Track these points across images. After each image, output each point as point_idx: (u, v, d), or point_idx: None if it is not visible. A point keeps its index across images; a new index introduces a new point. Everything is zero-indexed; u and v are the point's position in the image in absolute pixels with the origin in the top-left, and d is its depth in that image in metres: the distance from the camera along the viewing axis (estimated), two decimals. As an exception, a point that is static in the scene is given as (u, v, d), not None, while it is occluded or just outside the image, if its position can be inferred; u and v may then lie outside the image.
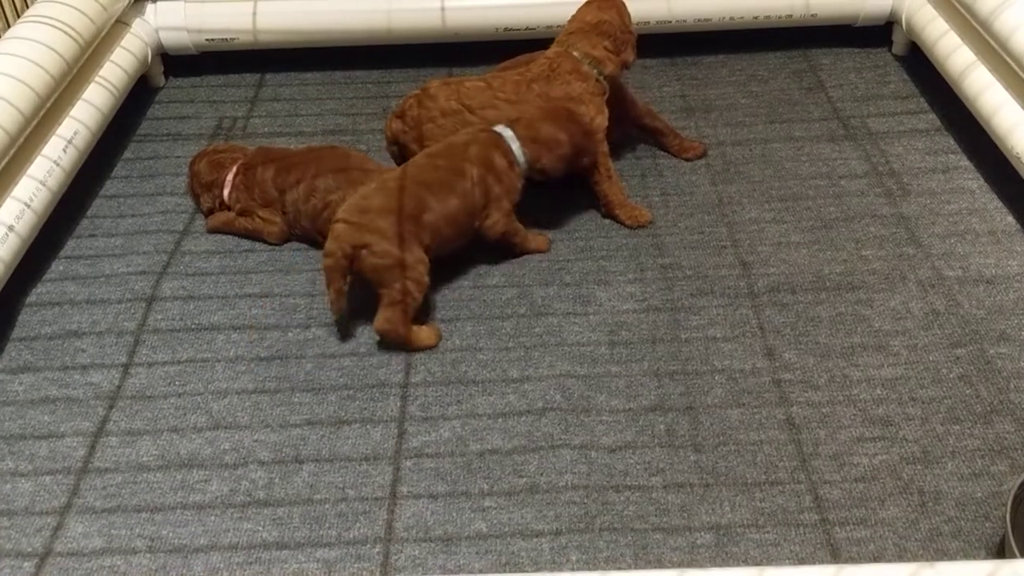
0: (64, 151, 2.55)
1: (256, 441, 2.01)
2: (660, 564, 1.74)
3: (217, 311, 2.33)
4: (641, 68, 3.13)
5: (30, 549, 1.82)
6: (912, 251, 2.40)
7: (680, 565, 1.74)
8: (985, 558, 1.72)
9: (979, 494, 1.83)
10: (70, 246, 2.56)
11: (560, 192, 2.61)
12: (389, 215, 2.18)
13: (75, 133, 2.62)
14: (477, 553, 1.77)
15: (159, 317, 2.32)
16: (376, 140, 2.86)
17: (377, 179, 2.30)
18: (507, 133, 2.37)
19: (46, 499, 1.91)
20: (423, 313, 2.25)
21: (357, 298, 2.34)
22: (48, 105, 2.51)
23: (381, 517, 1.84)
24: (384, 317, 2.16)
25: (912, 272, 2.34)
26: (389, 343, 2.19)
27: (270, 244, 2.52)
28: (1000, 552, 1.72)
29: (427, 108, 2.50)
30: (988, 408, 2.00)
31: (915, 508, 1.81)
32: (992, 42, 2.57)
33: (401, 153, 2.60)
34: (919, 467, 1.89)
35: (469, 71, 2.77)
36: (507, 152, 2.35)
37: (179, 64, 3.28)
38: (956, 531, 1.77)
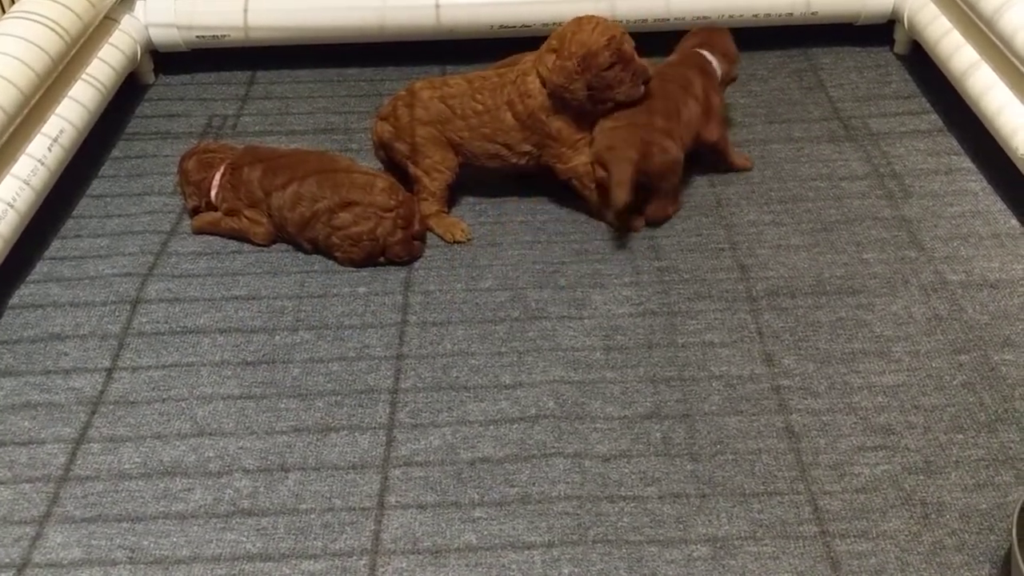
0: (49, 150, 2.50)
1: (241, 448, 1.96)
2: (655, 577, 1.69)
3: (203, 314, 2.28)
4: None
5: (7, 560, 1.77)
6: (914, 254, 2.36)
7: (675, 579, 1.69)
8: (990, 572, 1.67)
9: (983, 506, 1.78)
10: (55, 247, 2.51)
11: (556, 194, 2.56)
12: (666, 118, 2.41)
13: (61, 131, 2.57)
14: (467, 566, 1.72)
15: (144, 320, 2.28)
16: (369, 139, 2.81)
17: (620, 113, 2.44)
18: (705, 53, 2.62)
19: (25, 508, 1.87)
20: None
21: (344, 300, 2.30)
22: (33, 102, 2.46)
23: (368, 528, 1.80)
24: (659, 207, 2.47)
25: (914, 276, 2.29)
26: (656, 224, 2.48)
27: (257, 245, 2.47)
28: (1005, 566, 1.67)
29: (412, 108, 2.46)
30: (992, 416, 1.95)
31: (917, 520, 1.76)
32: (996, 41, 2.52)
33: (388, 156, 2.56)
34: (922, 477, 1.84)
35: (463, 69, 2.72)
36: (711, 66, 2.62)
37: (169, 61, 3.23)
38: (960, 544, 1.72)
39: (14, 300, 2.35)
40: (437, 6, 3.03)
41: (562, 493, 1.84)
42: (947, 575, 1.68)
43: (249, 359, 2.16)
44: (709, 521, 1.78)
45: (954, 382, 2.03)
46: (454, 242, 2.46)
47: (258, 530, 1.80)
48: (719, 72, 2.63)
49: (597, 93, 2.35)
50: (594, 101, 2.37)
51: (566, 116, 2.39)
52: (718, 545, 1.74)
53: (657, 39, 2.86)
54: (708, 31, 2.72)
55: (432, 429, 1.98)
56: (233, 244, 2.49)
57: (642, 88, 2.38)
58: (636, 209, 2.45)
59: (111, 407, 2.06)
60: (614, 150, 2.36)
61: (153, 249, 2.49)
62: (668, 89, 2.48)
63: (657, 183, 2.43)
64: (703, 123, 2.53)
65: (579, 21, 2.37)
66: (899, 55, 3.17)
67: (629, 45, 2.36)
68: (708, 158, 2.63)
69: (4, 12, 2.68)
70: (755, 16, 3.07)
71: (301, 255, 2.45)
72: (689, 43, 2.69)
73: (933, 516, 1.77)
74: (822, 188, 2.59)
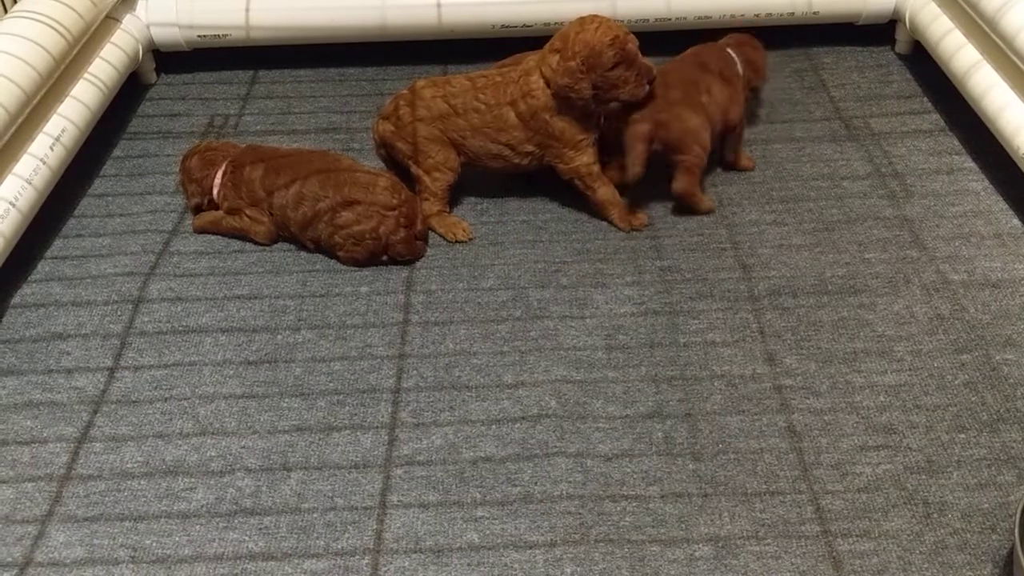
0: (51, 149, 2.50)
1: (243, 448, 1.96)
2: (657, 577, 1.69)
3: (205, 313, 2.28)
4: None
5: (10, 559, 1.77)
6: (916, 254, 2.36)
7: (678, 578, 1.69)
8: (992, 572, 1.67)
9: (986, 505, 1.78)
10: (57, 246, 2.51)
11: (557, 193, 2.56)
12: (682, 90, 2.46)
13: (63, 131, 2.57)
14: (469, 565, 1.73)
15: (146, 319, 2.28)
16: (371, 139, 2.80)
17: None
18: (729, 50, 2.67)
19: (27, 507, 1.87)
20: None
21: (346, 299, 2.30)
22: (35, 102, 2.46)
23: (370, 527, 1.80)
24: (684, 180, 2.45)
25: (916, 275, 2.29)
26: (684, 205, 2.50)
27: (258, 244, 2.47)
28: (1008, 566, 1.67)
29: (415, 107, 2.45)
30: (994, 416, 1.95)
31: (920, 520, 1.76)
32: (998, 40, 2.52)
33: (390, 155, 2.55)
34: (924, 477, 1.84)
35: (465, 69, 2.72)
36: (732, 59, 2.65)
37: (171, 61, 3.24)
38: (962, 544, 1.72)
39: (16, 299, 2.35)
40: (439, 5, 3.03)
41: (564, 492, 1.84)
42: (949, 575, 1.68)
43: (251, 358, 2.16)
44: (711, 520, 1.78)
45: (956, 382, 2.03)
46: (456, 241, 2.46)
47: (260, 529, 1.80)
48: (740, 71, 2.64)
49: (602, 93, 2.35)
50: (599, 101, 2.37)
51: (569, 116, 2.39)
52: (720, 544, 1.74)
53: (658, 39, 2.86)
54: (740, 38, 2.75)
55: (434, 428, 1.98)
56: (235, 243, 2.49)
57: (647, 87, 2.38)
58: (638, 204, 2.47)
59: (113, 406, 2.06)
60: (627, 125, 2.42)
61: (155, 248, 2.49)
62: (685, 70, 2.54)
63: (677, 155, 2.44)
64: (730, 102, 2.56)
65: (582, 21, 2.36)
66: (900, 55, 3.17)
67: (633, 44, 2.35)
68: (714, 152, 2.63)
69: (6, 11, 2.68)
70: (756, 15, 3.07)
71: (303, 254, 2.45)
72: (719, 42, 2.74)
73: (935, 515, 1.77)
74: (824, 188, 2.59)
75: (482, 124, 2.43)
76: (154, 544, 1.79)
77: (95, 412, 2.05)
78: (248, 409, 2.04)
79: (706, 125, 2.48)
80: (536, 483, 1.86)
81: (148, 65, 3.19)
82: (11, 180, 2.35)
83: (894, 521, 1.76)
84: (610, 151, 2.53)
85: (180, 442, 1.98)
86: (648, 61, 2.38)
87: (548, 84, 2.37)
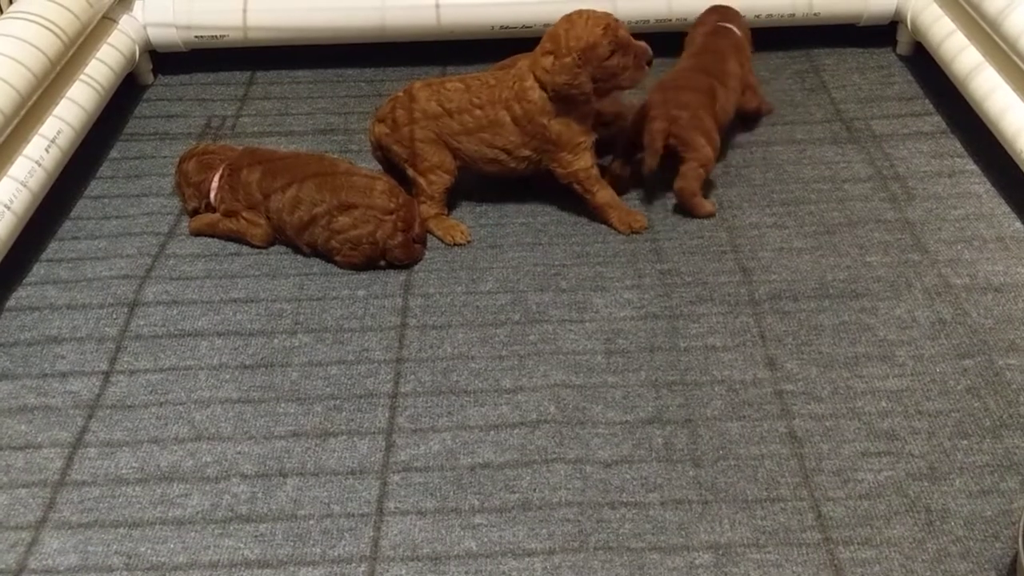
0: (47, 151, 2.49)
1: (239, 453, 1.94)
2: (657, 585, 1.68)
3: (201, 316, 2.27)
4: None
5: (3, 565, 1.75)
6: (918, 257, 2.34)
7: (678, 586, 1.67)
8: (995, 580, 1.66)
9: (988, 512, 1.77)
10: (52, 248, 2.50)
11: (557, 196, 2.54)
12: (696, 93, 2.52)
13: (58, 132, 2.55)
14: (467, 573, 1.71)
15: (141, 323, 2.26)
16: (368, 140, 2.80)
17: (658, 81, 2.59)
18: (731, 27, 2.77)
19: (21, 513, 1.85)
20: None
21: (343, 302, 2.28)
22: (30, 104, 2.45)
23: (367, 534, 1.78)
24: (688, 180, 2.45)
25: (918, 279, 2.28)
26: (682, 204, 2.48)
27: (255, 247, 2.45)
28: (1011, 574, 1.66)
29: (410, 110, 2.44)
30: (997, 422, 1.93)
31: (922, 527, 1.75)
32: (1000, 43, 2.51)
33: (386, 158, 2.54)
34: (926, 484, 1.82)
35: (464, 70, 2.71)
36: (739, 37, 2.76)
37: (168, 62, 3.22)
38: (965, 552, 1.70)
39: (11, 303, 2.33)
40: (437, 6, 3.02)
41: (563, 499, 1.82)
42: (952, 583, 1.66)
43: (247, 363, 2.14)
44: (711, 528, 1.76)
45: (958, 387, 2.01)
46: (454, 244, 2.45)
47: (256, 536, 1.79)
48: (746, 42, 2.76)
49: (603, 84, 2.34)
50: (600, 93, 2.36)
51: (566, 119, 2.37)
52: (720, 552, 1.72)
53: (659, 39, 2.84)
54: (722, 10, 2.85)
55: (432, 434, 1.96)
56: (231, 246, 2.47)
57: (646, 69, 2.37)
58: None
59: (108, 411, 2.05)
60: (646, 122, 2.47)
61: (151, 251, 2.47)
62: (698, 78, 2.58)
63: (687, 152, 2.46)
64: (748, 72, 2.70)
65: (569, 19, 2.35)
66: (902, 56, 3.16)
67: (624, 30, 2.34)
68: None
69: (2, 12, 2.66)
70: (757, 16, 3.06)
71: (300, 257, 2.43)
72: (712, 18, 2.81)
73: (937, 523, 1.75)
74: (825, 190, 2.58)
75: (476, 127, 2.41)
76: (149, 551, 1.77)
77: (90, 417, 2.03)
78: (244, 414, 2.02)
79: (716, 127, 2.52)
80: (534, 490, 1.84)
81: (145, 66, 3.17)
82: (6, 182, 2.34)
83: (896, 528, 1.75)
84: (608, 153, 2.52)
85: (175, 447, 1.96)
86: (643, 43, 2.36)
87: (544, 87, 2.35)
